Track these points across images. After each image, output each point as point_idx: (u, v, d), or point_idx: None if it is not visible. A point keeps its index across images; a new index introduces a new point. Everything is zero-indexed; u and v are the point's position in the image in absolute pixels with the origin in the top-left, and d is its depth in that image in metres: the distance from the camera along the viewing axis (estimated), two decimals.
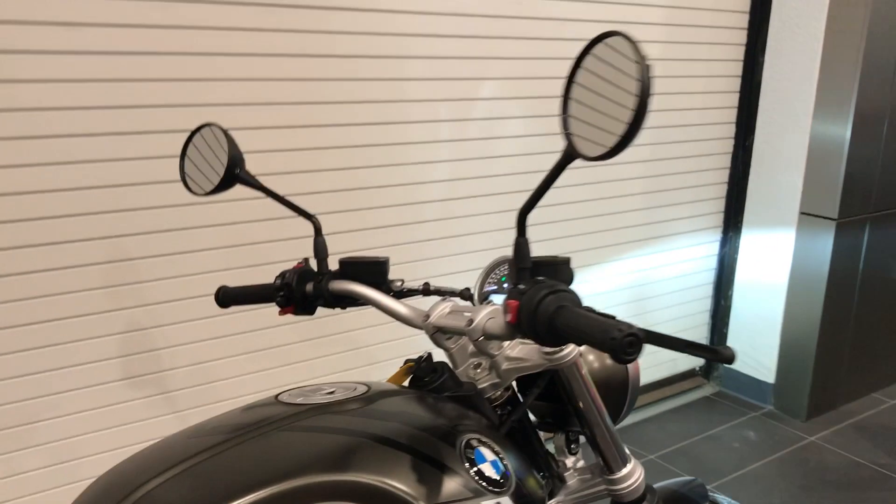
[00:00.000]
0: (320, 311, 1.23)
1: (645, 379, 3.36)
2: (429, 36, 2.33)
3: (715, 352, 0.82)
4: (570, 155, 0.77)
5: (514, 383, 1.14)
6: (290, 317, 2.25)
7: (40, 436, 1.97)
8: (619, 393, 1.20)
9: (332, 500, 0.78)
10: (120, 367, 2.04)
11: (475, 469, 0.89)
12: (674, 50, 2.95)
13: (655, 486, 1.41)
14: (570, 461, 1.22)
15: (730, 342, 3.51)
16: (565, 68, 2.59)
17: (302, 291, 1.19)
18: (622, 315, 3.07)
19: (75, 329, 1.96)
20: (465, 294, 1.21)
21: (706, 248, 3.39)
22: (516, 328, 0.84)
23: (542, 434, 1.21)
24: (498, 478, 0.91)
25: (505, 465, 0.93)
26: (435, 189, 2.48)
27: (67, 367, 1.97)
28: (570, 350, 1.04)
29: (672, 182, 3.15)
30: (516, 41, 2.52)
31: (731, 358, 0.82)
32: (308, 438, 0.85)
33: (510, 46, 2.51)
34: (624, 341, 0.71)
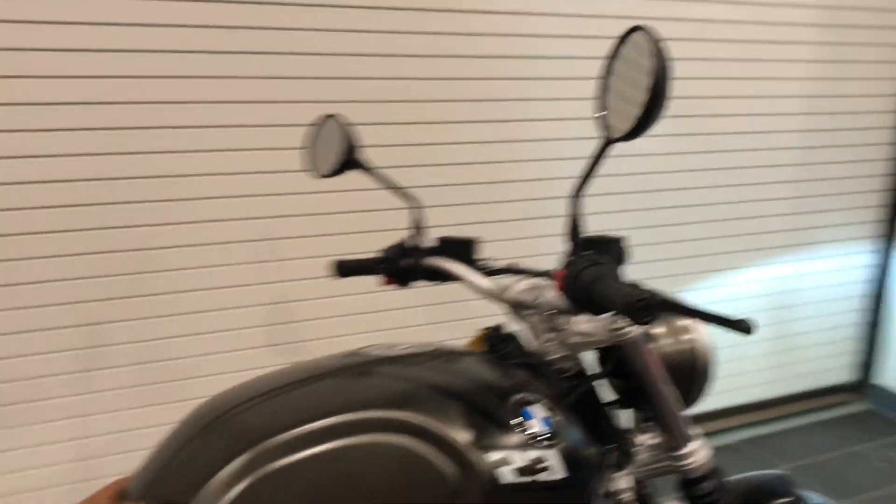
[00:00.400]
0: (430, 285, 1.37)
1: (785, 390, 3.26)
2: (559, 37, 2.41)
3: (732, 322, 0.87)
4: (601, 136, 0.86)
5: (588, 358, 1.22)
6: (414, 298, 2.41)
7: (188, 391, 2.25)
8: (691, 377, 1.25)
9: (386, 432, 0.91)
10: (263, 334, 2.28)
11: (522, 424, 0.99)
12: (828, 52, 2.85)
13: (739, 476, 1.44)
14: (642, 438, 1.27)
15: (885, 357, 3.32)
16: (700, 69, 2.60)
17: (401, 265, 1.32)
18: (762, 322, 3.01)
19: (229, 297, 2.21)
20: (548, 274, 1.29)
21: (856, 259, 3.23)
22: (563, 296, 0.93)
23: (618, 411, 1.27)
24: (544, 434, 0.99)
25: (555, 425, 1.02)
26: (560, 185, 2.55)
27: (219, 331, 2.23)
28: (632, 328, 1.11)
29: (821, 188, 3.03)
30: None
31: (748, 329, 0.86)
32: (376, 380, 0.98)
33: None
34: (637, 305, 0.79)
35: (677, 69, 2.60)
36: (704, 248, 2.85)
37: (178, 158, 2.07)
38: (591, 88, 2.48)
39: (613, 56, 0.86)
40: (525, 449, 0.96)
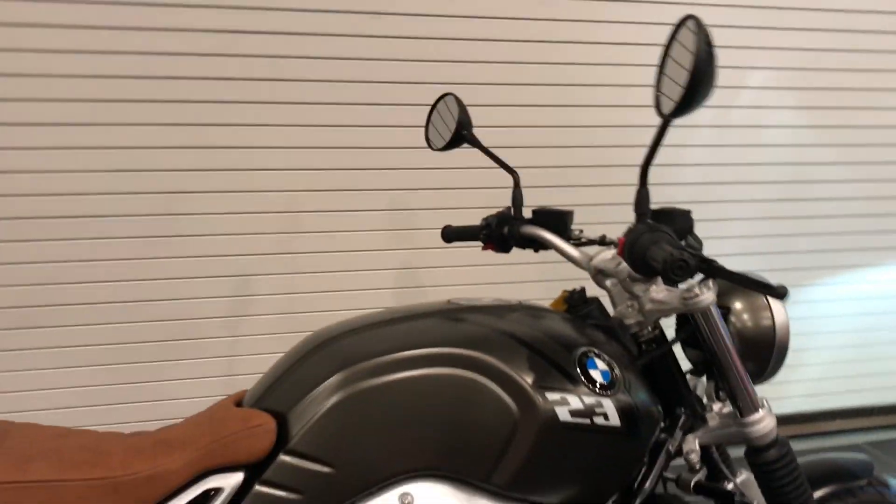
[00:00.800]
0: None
1: None
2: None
3: (767, 287, 0.94)
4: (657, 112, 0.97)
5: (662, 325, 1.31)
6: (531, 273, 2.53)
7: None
8: (768, 352, 1.30)
9: (461, 368, 1.05)
10: (391, 297, 2.48)
11: (583, 373, 1.10)
12: None
13: (822, 455, 1.47)
14: (716, 406, 1.34)
15: None
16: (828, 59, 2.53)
17: (500, 233, 1.45)
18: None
19: (364, 260, 2.43)
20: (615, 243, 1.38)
21: None
22: (622, 259, 1.04)
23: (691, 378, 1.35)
24: (603, 382, 1.10)
25: (613, 378, 1.12)
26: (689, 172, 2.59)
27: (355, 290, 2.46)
28: (705, 297, 1.18)
29: None
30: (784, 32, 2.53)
31: (782, 294, 0.93)
32: (459, 324, 1.12)
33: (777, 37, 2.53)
34: (674, 264, 0.89)
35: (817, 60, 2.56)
36: (833, 243, 2.79)
37: (320, 132, 2.30)
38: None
39: (669, 42, 0.95)
40: (582, 394, 1.08)
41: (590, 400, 1.08)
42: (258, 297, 2.38)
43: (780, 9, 2.50)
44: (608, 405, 1.10)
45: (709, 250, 2.73)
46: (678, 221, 1.13)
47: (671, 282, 0.98)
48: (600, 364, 1.13)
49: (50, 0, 2.05)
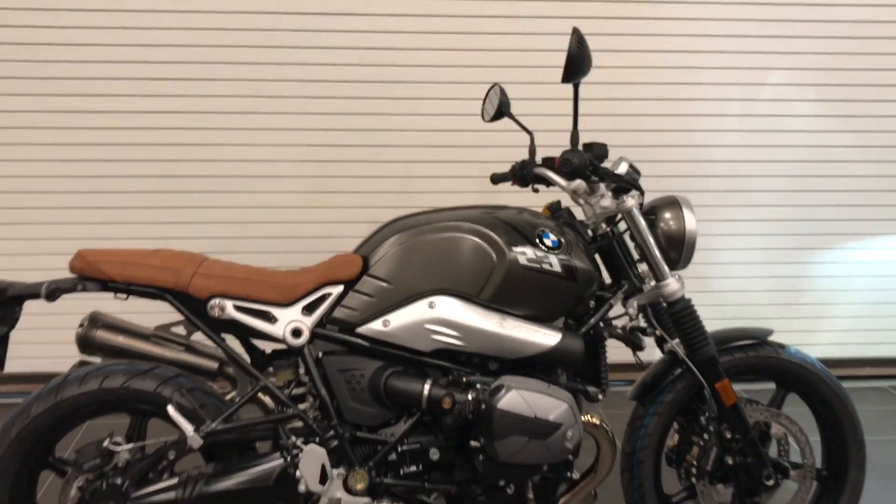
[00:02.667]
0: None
1: None
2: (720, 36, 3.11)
3: (629, 182, 1.69)
4: None
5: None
6: None
7: None
8: (679, 244, 1.98)
9: (468, 233, 1.82)
10: None
11: (540, 239, 1.85)
12: None
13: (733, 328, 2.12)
14: (652, 283, 2.03)
15: None
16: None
17: (521, 174, 2.20)
18: None
19: None
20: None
21: None
22: (558, 171, 1.81)
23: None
24: (550, 246, 1.85)
25: (561, 244, 1.86)
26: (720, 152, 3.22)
27: None
28: (628, 203, 1.91)
29: None
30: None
31: (636, 187, 1.67)
32: (471, 212, 1.90)
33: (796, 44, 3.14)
34: (563, 162, 1.66)
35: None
36: (850, 214, 3.32)
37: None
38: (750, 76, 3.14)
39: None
40: (536, 250, 1.84)
41: (540, 254, 1.84)
42: None
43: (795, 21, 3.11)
44: (553, 259, 1.85)
45: (740, 217, 3.29)
46: (595, 150, 1.88)
47: (564, 174, 1.75)
48: (552, 236, 1.88)
49: None
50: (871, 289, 3.42)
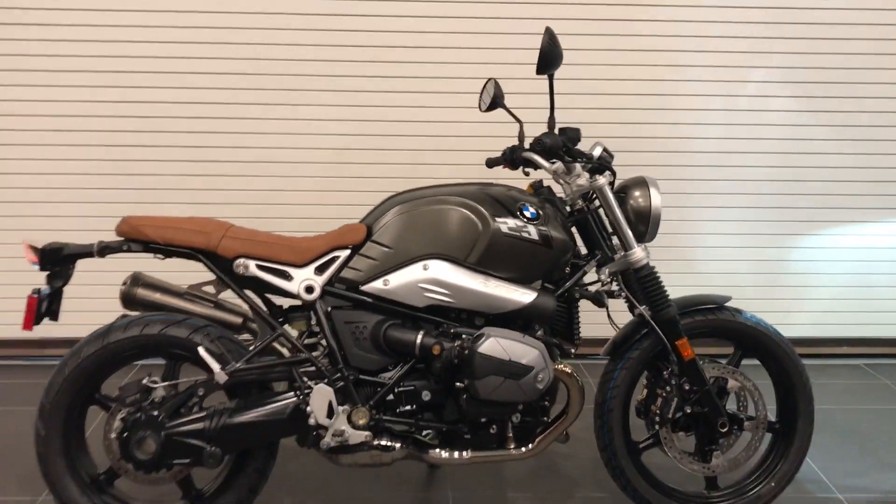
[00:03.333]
0: None
1: None
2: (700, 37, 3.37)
3: (594, 160, 1.97)
4: None
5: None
6: None
7: None
8: (646, 218, 2.24)
9: (458, 206, 2.10)
10: None
11: (520, 211, 2.13)
12: None
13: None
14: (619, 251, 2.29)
15: None
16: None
17: (512, 158, 2.47)
18: None
19: None
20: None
21: None
22: (537, 152, 2.09)
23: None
24: (529, 217, 2.12)
25: (539, 216, 2.14)
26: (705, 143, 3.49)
27: None
28: (600, 181, 2.19)
29: None
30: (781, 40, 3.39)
31: (610, 169, 1.95)
32: (463, 188, 2.17)
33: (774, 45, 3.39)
34: (534, 143, 1.95)
35: None
36: (827, 202, 3.58)
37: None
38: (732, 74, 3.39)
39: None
40: (516, 220, 2.12)
41: (520, 224, 2.12)
42: None
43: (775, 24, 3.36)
44: (531, 229, 2.12)
45: (725, 205, 3.54)
46: (569, 133, 2.15)
47: (543, 155, 2.04)
48: (532, 209, 2.15)
49: None
50: (848, 273, 3.66)
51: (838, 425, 3.06)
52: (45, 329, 3.32)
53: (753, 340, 2.34)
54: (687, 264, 3.58)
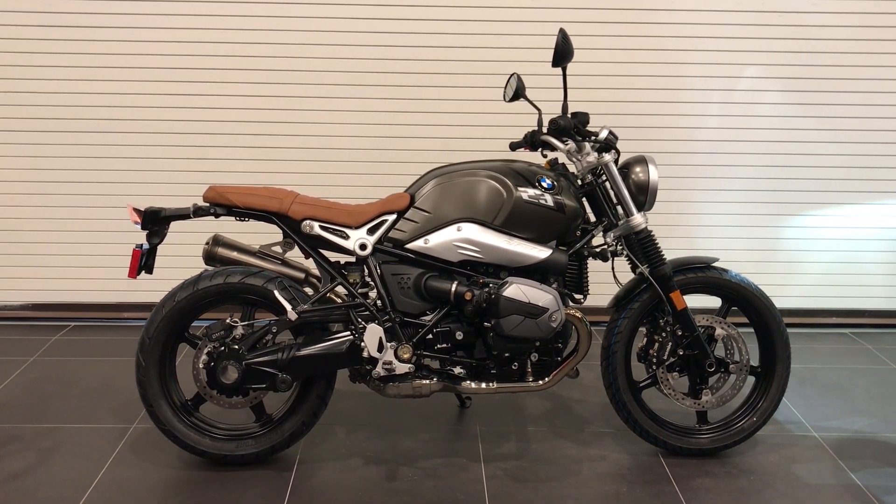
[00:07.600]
0: None
1: None
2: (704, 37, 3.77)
3: (592, 135, 2.39)
4: None
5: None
6: None
7: None
8: (645, 189, 2.65)
9: (487, 178, 2.51)
10: None
11: (539, 182, 2.54)
12: None
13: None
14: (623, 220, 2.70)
15: None
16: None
17: (531, 140, 2.88)
18: None
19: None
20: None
21: None
22: (553, 134, 2.52)
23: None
24: (546, 187, 2.54)
25: (555, 187, 2.55)
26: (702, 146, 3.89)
27: None
28: (606, 158, 2.60)
29: None
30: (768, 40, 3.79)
31: (611, 146, 2.38)
32: (493, 162, 2.59)
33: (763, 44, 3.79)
34: (550, 123, 2.37)
35: None
36: (817, 186, 3.98)
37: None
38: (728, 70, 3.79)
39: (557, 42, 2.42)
40: (535, 189, 2.54)
41: (538, 193, 2.54)
42: None
43: (768, 26, 3.76)
44: (548, 197, 2.54)
45: (724, 187, 3.96)
46: (580, 116, 2.57)
47: (554, 133, 2.45)
48: (547, 181, 2.57)
49: None
50: (836, 250, 4.05)
51: (821, 380, 3.45)
52: (122, 294, 3.82)
53: (738, 295, 2.74)
54: (688, 241, 3.97)
